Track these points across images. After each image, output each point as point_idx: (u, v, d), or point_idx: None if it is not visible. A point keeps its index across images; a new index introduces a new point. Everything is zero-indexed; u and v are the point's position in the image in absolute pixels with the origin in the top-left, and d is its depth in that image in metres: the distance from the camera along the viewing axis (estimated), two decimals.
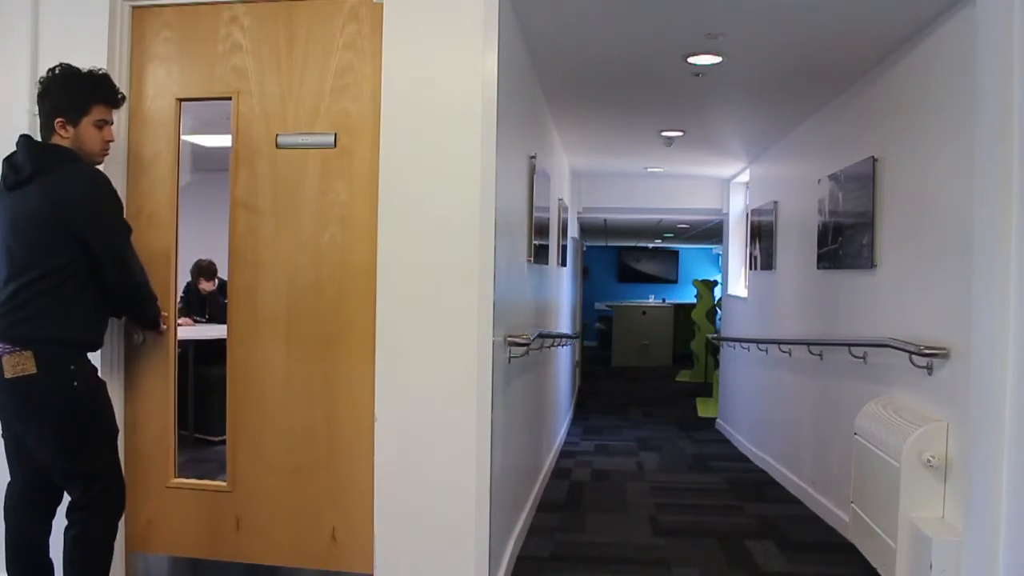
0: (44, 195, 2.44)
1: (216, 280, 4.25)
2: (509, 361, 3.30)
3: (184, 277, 3.13)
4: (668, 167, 7.19)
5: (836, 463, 4.15)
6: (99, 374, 2.65)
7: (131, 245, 2.65)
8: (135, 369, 3.00)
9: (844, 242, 4.13)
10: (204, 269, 3.94)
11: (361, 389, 2.85)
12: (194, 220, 3.06)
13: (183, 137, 3.00)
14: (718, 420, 8.00)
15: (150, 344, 3.00)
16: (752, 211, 6.72)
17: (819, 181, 4.56)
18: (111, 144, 2.68)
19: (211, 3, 2.95)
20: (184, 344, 3.14)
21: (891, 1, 3.07)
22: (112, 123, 2.66)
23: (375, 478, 2.82)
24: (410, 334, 2.79)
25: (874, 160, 3.75)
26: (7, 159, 2.55)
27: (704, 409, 9.14)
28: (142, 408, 3.00)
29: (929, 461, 2.96)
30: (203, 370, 3.37)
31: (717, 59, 3.81)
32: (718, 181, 7.98)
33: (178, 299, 3.05)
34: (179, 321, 3.04)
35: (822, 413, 4.55)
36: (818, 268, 4.58)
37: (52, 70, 2.58)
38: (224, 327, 2.99)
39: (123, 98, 2.70)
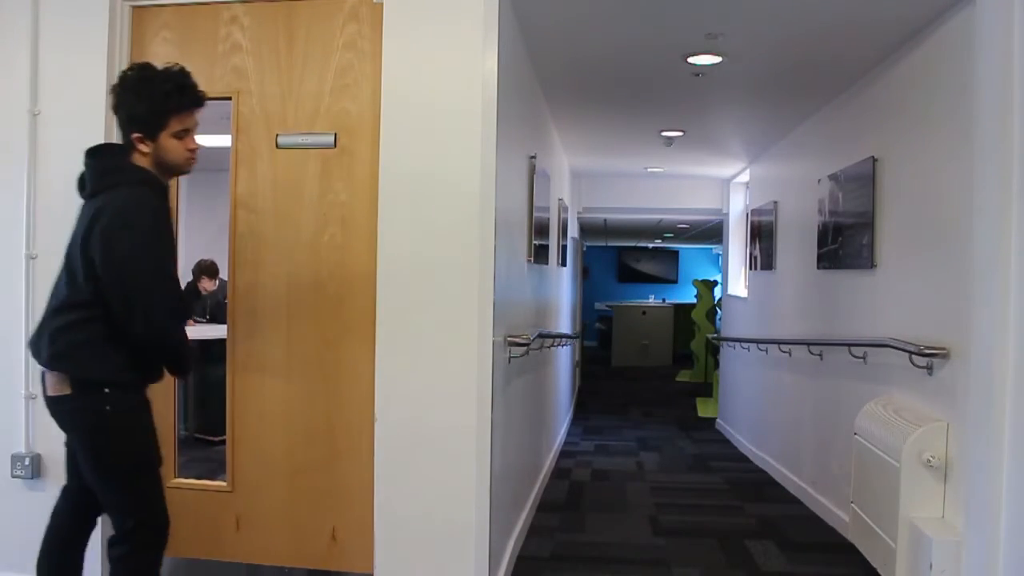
0: (84, 220, 2.27)
1: (217, 280, 4.26)
2: (509, 361, 3.30)
3: (184, 277, 3.13)
4: (668, 167, 7.18)
5: (836, 463, 4.15)
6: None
7: (161, 289, 2.24)
8: None
9: (844, 242, 4.13)
10: (206, 269, 3.94)
11: (361, 389, 2.85)
12: (194, 220, 3.06)
13: None
14: (718, 420, 8.00)
15: None
16: (752, 211, 6.72)
17: (819, 181, 4.56)
18: (197, 152, 2.37)
19: (211, 3, 2.95)
20: None
21: (891, 1, 3.07)
22: (195, 127, 2.35)
23: (375, 478, 2.82)
24: (410, 334, 2.79)
25: (874, 160, 3.75)
26: (84, 171, 2.38)
27: (704, 409, 9.14)
28: None
29: (929, 461, 2.96)
30: (203, 370, 3.37)
31: (717, 59, 3.81)
32: (718, 181, 7.98)
33: None
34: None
35: (822, 413, 4.55)
36: (818, 268, 4.58)
37: (125, 73, 2.31)
38: (224, 327, 2.99)
39: (204, 96, 2.36)
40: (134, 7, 2.98)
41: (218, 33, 2.95)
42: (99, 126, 2.90)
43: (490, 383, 2.80)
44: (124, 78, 2.31)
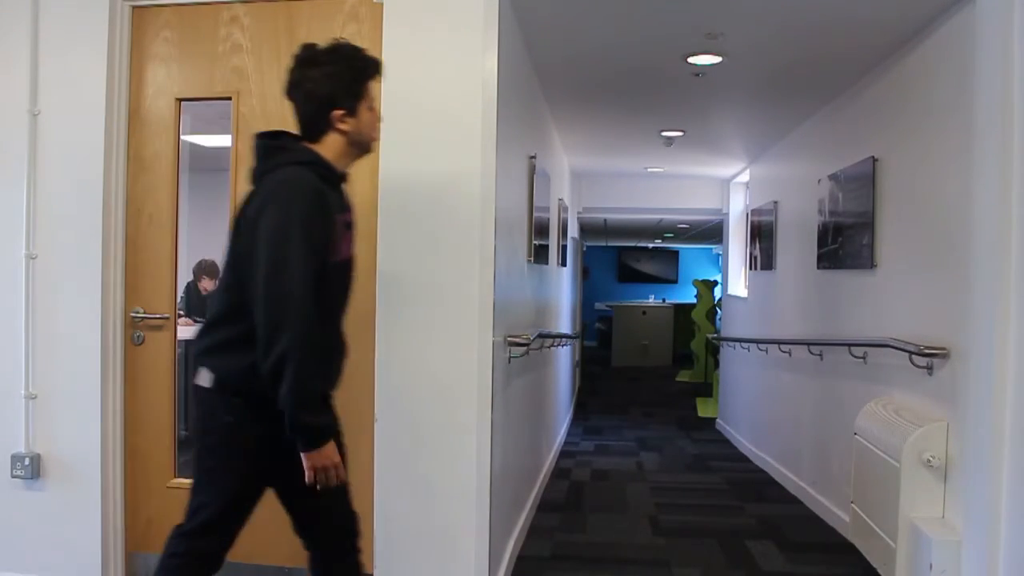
0: (261, 195, 2.03)
1: (217, 280, 4.25)
2: (509, 361, 3.30)
3: (184, 277, 3.14)
4: (668, 167, 7.18)
5: (836, 463, 4.15)
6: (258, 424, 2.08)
7: (307, 284, 1.92)
8: (135, 369, 3.01)
9: (844, 242, 4.13)
10: (207, 268, 3.94)
11: (361, 389, 2.85)
12: (194, 220, 3.07)
13: (183, 137, 3.00)
14: (718, 420, 8.00)
15: (150, 344, 3.00)
16: (752, 211, 6.72)
17: (819, 181, 4.56)
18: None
19: (211, 3, 2.96)
20: (184, 344, 3.14)
21: (891, 1, 3.07)
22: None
23: (375, 478, 2.82)
24: (410, 334, 2.79)
25: (874, 160, 3.75)
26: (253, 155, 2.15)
27: (704, 409, 9.14)
28: (142, 408, 3.01)
29: (929, 461, 2.96)
30: None
31: (717, 59, 3.81)
32: (718, 181, 7.98)
33: (178, 299, 3.05)
34: (180, 320, 3.04)
35: (822, 413, 4.55)
36: (818, 268, 4.58)
37: (312, 51, 2.10)
38: None
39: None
40: (134, 7, 2.99)
41: (218, 33, 2.95)
42: (99, 126, 2.90)
43: (490, 383, 2.80)
44: (312, 55, 2.10)
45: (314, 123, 2.10)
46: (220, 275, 2.15)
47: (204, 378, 2.09)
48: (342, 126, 2.09)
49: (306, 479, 2.02)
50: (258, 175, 2.07)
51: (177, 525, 2.18)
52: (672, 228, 12.10)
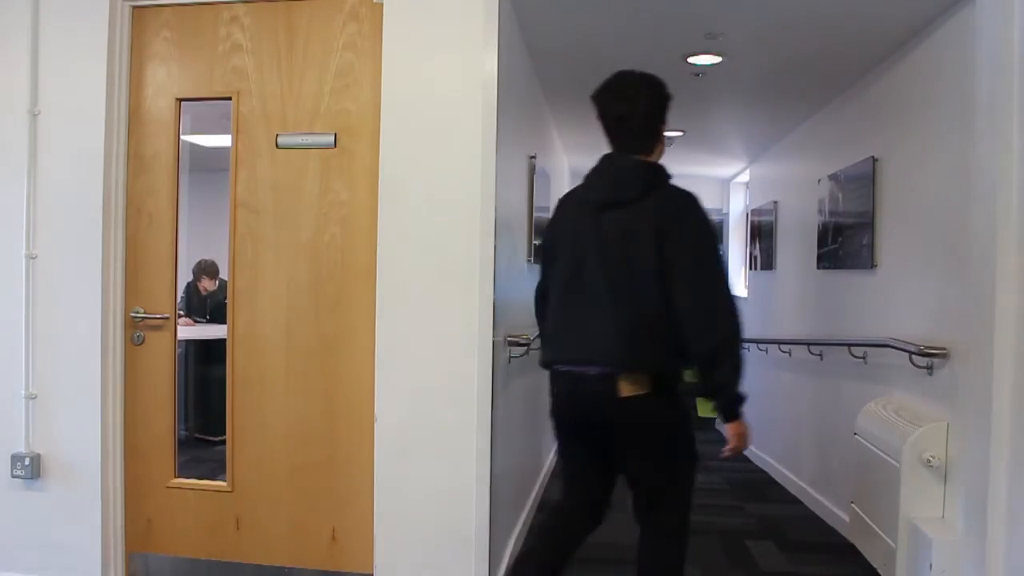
0: (655, 213, 2.21)
1: (218, 279, 4.26)
2: (509, 361, 3.30)
3: (184, 277, 3.14)
4: (668, 167, 7.17)
5: (836, 463, 4.15)
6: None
7: (725, 282, 2.21)
8: (135, 369, 3.01)
9: (844, 242, 4.13)
10: (207, 269, 3.95)
11: (361, 389, 2.86)
12: (194, 220, 3.07)
13: (183, 137, 3.00)
14: (718, 420, 7.99)
15: (150, 344, 3.00)
16: (752, 211, 6.72)
17: (819, 181, 4.56)
18: None
19: (211, 3, 2.95)
20: (184, 344, 3.14)
21: (891, 1, 3.07)
22: None
23: (375, 478, 2.82)
24: (410, 334, 2.79)
25: (874, 160, 3.75)
26: (599, 179, 2.36)
27: (704, 409, 9.11)
28: (142, 408, 3.01)
29: (929, 461, 2.96)
30: (203, 370, 3.37)
31: (717, 59, 3.81)
32: (718, 181, 7.98)
33: (178, 299, 3.06)
34: (180, 320, 3.05)
35: (822, 413, 4.55)
36: (818, 268, 4.58)
37: (635, 81, 2.40)
38: (224, 327, 2.99)
39: None
40: (134, 7, 2.99)
41: (218, 33, 2.95)
42: (99, 126, 2.90)
43: (490, 383, 2.80)
44: (636, 84, 2.40)
45: (648, 135, 2.36)
46: (600, 288, 2.24)
47: (631, 387, 2.19)
48: (659, 150, 2.41)
49: (729, 446, 2.33)
50: (639, 191, 2.26)
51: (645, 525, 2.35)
52: None
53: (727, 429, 2.25)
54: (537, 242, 4.23)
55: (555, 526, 2.50)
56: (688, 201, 2.26)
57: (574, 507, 2.47)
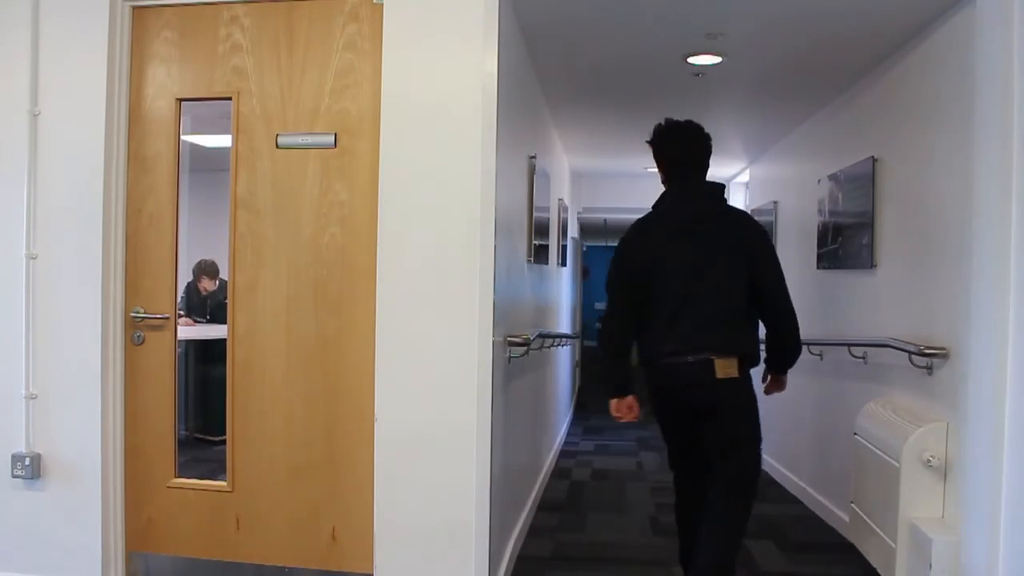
0: (735, 227, 2.92)
1: (218, 279, 4.26)
2: (509, 361, 3.30)
3: (184, 277, 3.14)
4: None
5: (836, 463, 4.15)
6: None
7: (783, 280, 2.97)
8: (135, 369, 3.01)
9: (844, 242, 4.13)
10: (206, 269, 3.93)
11: (361, 389, 2.86)
12: (194, 220, 3.07)
13: (183, 137, 3.00)
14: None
15: (150, 344, 3.00)
16: (752, 211, 6.72)
17: (819, 181, 4.56)
18: None
19: (211, 3, 2.96)
20: (184, 344, 3.14)
21: (891, 1, 3.07)
22: None
23: (375, 478, 2.82)
24: (410, 334, 2.80)
25: (874, 160, 3.75)
26: (683, 200, 2.96)
27: None
28: (142, 408, 3.01)
29: (929, 461, 2.96)
30: (203, 370, 3.37)
31: (717, 59, 3.81)
32: (718, 181, 7.97)
33: (179, 299, 3.06)
34: (180, 320, 3.05)
35: (822, 413, 4.55)
36: (818, 268, 4.58)
37: (698, 127, 3.10)
38: (224, 327, 2.99)
39: None
40: (134, 7, 2.99)
41: (218, 33, 2.95)
42: (99, 126, 2.90)
43: (490, 383, 2.80)
44: (701, 132, 3.08)
45: (706, 169, 3.06)
46: (699, 294, 2.83)
47: (725, 369, 2.78)
48: None
49: (776, 389, 3.21)
50: (723, 204, 3.03)
51: (722, 486, 2.93)
52: None
53: (782, 380, 3.21)
54: (537, 242, 4.23)
55: (687, 496, 3.12)
56: (759, 224, 3.08)
57: (693, 479, 3.09)
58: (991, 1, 2.66)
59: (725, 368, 2.78)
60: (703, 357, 2.78)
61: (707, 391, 2.81)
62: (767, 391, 3.17)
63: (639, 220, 3.05)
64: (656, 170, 3.08)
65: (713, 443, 2.90)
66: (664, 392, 2.96)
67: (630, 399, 3.02)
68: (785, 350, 3.08)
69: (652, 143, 3.10)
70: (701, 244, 2.85)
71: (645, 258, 2.91)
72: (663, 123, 3.11)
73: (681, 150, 3.01)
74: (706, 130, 3.07)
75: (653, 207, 3.04)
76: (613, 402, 3.06)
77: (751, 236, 2.91)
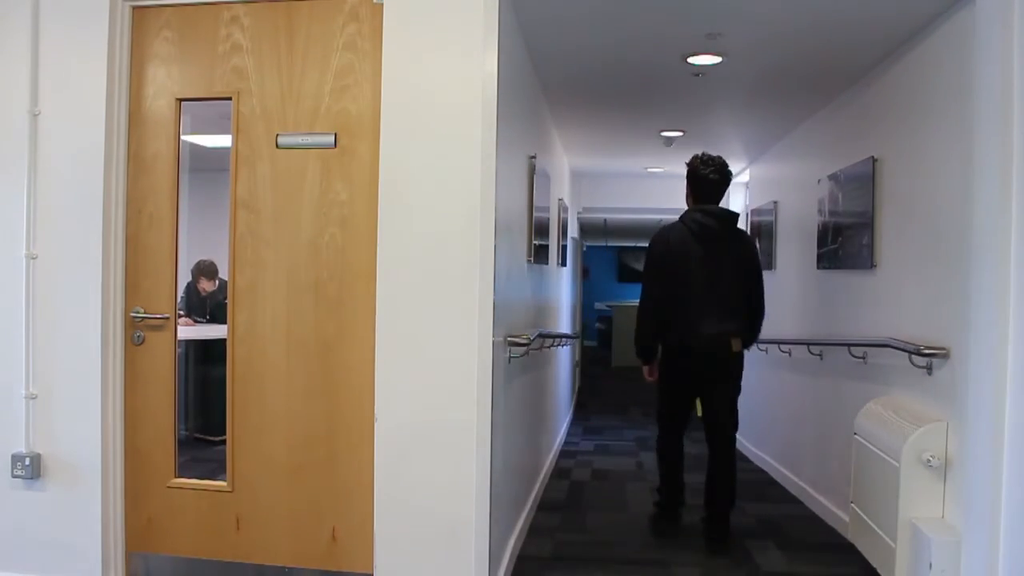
0: (742, 245, 3.90)
1: (217, 280, 4.25)
2: (509, 361, 3.30)
3: (184, 277, 3.14)
4: (668, 167, 7.18)
5: (836, 463, 4.15)
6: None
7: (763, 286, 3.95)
8: (135, 369, 3.01)
9: (844, 242, 4.13)
10: (205, 269, 3.92)
11: (361, 389, 2.86)
12: (194, 220, 3.07)
13: (183, 137, 3.00)
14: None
15: (150, 344, 3.00)
16: (752, 211, 6.72)
17: (819, 181, 4.56)
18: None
19: (211, 3, 2.96)
20: (184, 344, 3.14)
21: (891, 1, 3.07)
22: None
23: (375, 478, 2.82)
24: (410, 334, 2.80)
25: (874, 160, 3.75)
26: (708, 221, 3.76)
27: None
28: (142, 408, 3.01)
29: (929, 461, 2.96)
30: (203, 370, 3.37)
31: (717, 59, 3.81)
32: None
33: (179, 299, 3.06)
34: (180, 320, 3.05)
35: (822, 413, 4.55)
36: (818, 268, 4.58)
37: (726, 164, 3.90)
38: (224, 327, 2.99)
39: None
40: (134, 7, 2.99)
41: (218, 33, 2.95)
42: (99, 126, 2.90)
43: (490, 383, 2.80)
44: (727, 165, 3.87)
45: (724, 193, 3.91)
46: (717, 290, 3.76)
47: (737, 345, 3.78)
48: None
49: (734, 398, 3.94)
50: (724, 225, 3.80)
51: (730, 431, 3.90)
52: None
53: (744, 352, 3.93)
54: (537, 242, 4.23)
55: (675, 440, 4.11)
56: (754, 243, 4.18)
57: (680, 428, 4.08)
58: (991, 1, 2.66)
59: (736, 345, 3.77)
60: (724, 336, 3.73)
61: (723, 361, 3.77)
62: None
63: (668, 226, 3.91)
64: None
65: (721, 402, 3.84)
66: (683, 361, 3.80)
67: (654, 365, 3.98)
68: (754, 333, 3.98)
69: (690, 166, 3.89)
70: (719, 253, 3.75)
71: (676, 259, 3.76)
72: (701, 154, 3.87)
73: (712, 178, 3.82)
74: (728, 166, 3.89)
75: (680, 218, 3.86)
76: (646, 368, 4.04)
77: (752, 255, 3.91)
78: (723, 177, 3.83)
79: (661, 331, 3.82)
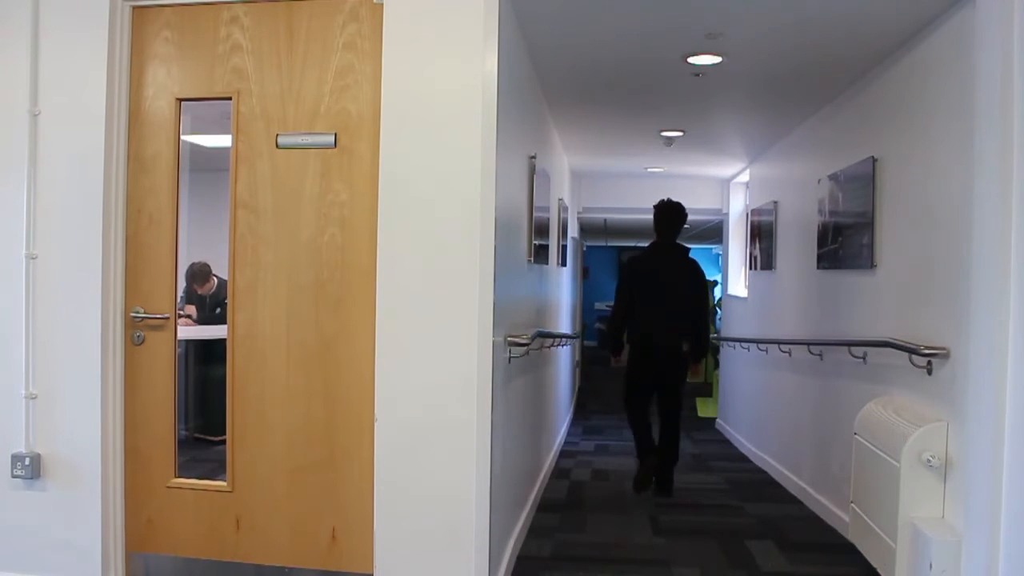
0: (691, 272, 4.97)
1: (215, 280, 4.23)
2: (509, 361, 3.30)
3: (184, 279, 3.14)
4: (668, 167, 7.18)
5: (836, 463, 4.15)
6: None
7: (707, 307, 5.27)
8: (135, 369, 3.01)
9: (844, 242, 4.13)
10: (197, 274, 3.84)
11: (361, 389, 2.86)
12: (194, 220, 3.07)
13: (183, 137, 3.00)
14: (718, 420, 8.00)
15: (150, 344, 3.00)
16: (752, 211, 6.72)
17: (819, 181, 4.56)
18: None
19: (211, 3, 2.96)
20: (184, 344, 3.14)
21: (891, 1, 3.07)
22: None
23: (375, 478, 2.82)
24: (410, 334, 2.80)
25: (874, 160, 3.75)
26: (662, 253, 5.00)
27: (704, 409, 9.14)
28: (142, 408, 3.01)
29: (929, 461, 2.96)
30: (203, 370, 3.37)
31: (717, 59, 3.81)
32: (718, 181, 7.98)
33: (179, 299, 3.06)
34: (180, 320, 3.05)
35: (822, 413, 4.55)
36: (818, 268, 4.58)
37: (682, 208, 5.05)
38: (224, 327, 2.99)
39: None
40: (134, 7, 2.99)
41: (218, 33, 2.95)
42: (99, 126, 2.90)
43: (490, 383, 2.80)
44: (683, 208, 5.01)
45: (680, 231, 4.98)
46: (661, 302, 4.85)
47: (685, 347, 4.88)
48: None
49: (688, 373, 5.03)
50: (676, 256, 4.95)
51: (675, 408, 4.98)
52: None
53: (696, 367, 5.25)
54: (537, 242, 4.24)
55: (641, 414, 5.02)
56: (701, 268, 5.04)
57: (644, 404, 5.02)
58: (991, 1, 2.66)
59: (683, 346, 4.91)
60: (675, 338, 4.88)
61: (674, 356, 4.91)
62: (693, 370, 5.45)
63: (637, 255, 5.16)
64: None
65: (670, 383, 4.95)
66: (644, 355, 4.94)
67: (620, 355, 5.11)
68: (702, 347, 5.01)
69: (655, 209, 5.03)
70: (672, 276, 4.92)
71: (639, 279, 4.93)
72: (665, 200, 5.04)
73: (671, 220, 5.00)
74: (684, 211, 5.02)
75: (647, 248, 5.10)
76: (613, 357, 5.58)
77: (700, 281, 5.03)
78: (677, 217, 4.97)
79: (626, 331, 5.01)
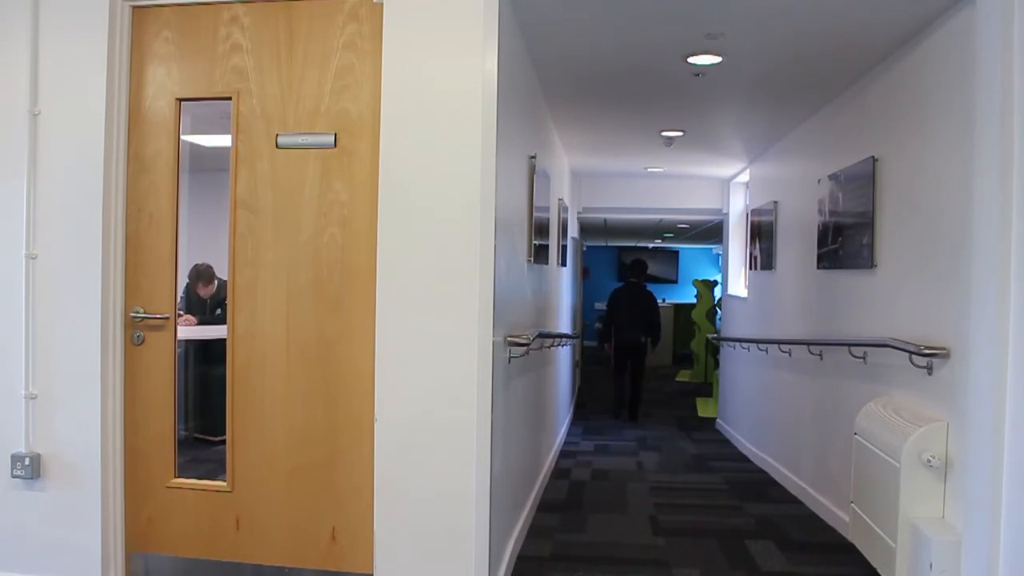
0: (648, 299, 8.55)
1: (216, 281, 4.24)
2: (509, 361, 3.30)
3: (184, 277, 3.13)
4: (668, 167, 7.18)
5: (836, 463, 4.15)
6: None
7: (659, 317, 8.66)
8: (135, 369, 3.01)
9: (844, 242, 4.13)
10: (203, 274, 3.87)
11: (361, 389, 2.86)
12: (194, 220, 3.07)
13: (183, 137, 3.00)
14: (718, 420, 8.00)
15: (150, 344, 3.00)
16: (752, 211, 6.72)
17: (819, 181, 4.56)
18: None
19: (211, 3, 2.96)
20: (184, 344, 3.14)
21: (891, 1, 3.07)
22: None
23: (375, 478, 2.82)
24: (410, 334, 2.80)
25: (874, 160, 3.75)
26: (631, 290, 8.62)
27: (704, 409, 9.14)
28: (142, 408, 3.01)
29: (929, 461, 2.96)
30: (203, 370, 3.37)
31: (717, 59, 3.81)
32: (718, 181, 7.98)
33: (179, 299, 3.06)
34: (181, 319, 3.05)
35: (822, 413, 4.55)
36: (818, 268, 4.58)
37: (645, 263, 8.79)
38: (224, 327, 2.99)
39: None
40: (134, 7, 2.99)
41: (218, 33, 2.95)
42: (99, 126, 2.90)
43: (490, 383, 2.80)
44: (645, 264, 9.04)
45: (644, 274, 8.82)
46: (630, 316, 8.55)
47: (643, 339, 8.50)
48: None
49: (648, 355, 8.78)
50: (639, 289, 8.62)
51: (639, 375, 8.62)
52: (672, 228, 12.10)
53: (653, 349, 8.89)
54: (537, 242, 4.24)
55: (620, 380, 8.66)
56: (653, 295, 8.71)
57: (622, 373, 8.61)
58: (991, 1, 2.66)
59: (642, 341, 8.40)
60: (639, 338, 8.40)
61: (638, 349, 8.44)
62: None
63: (618, 288, 8.87)
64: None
65: (636, 362, 8.47)
66: (622, 348, 8.48)
67: (609, 347, 8.59)
68: (655, 338, 8.48)
69: (629, 264, 8.79)
70: (637, 302, 8.43)
71: (618, 303, 8.56)
72: (635, 259, 8.86)
73: (636, 270, 8.66)
74: (645, 265, 8.75)
75: (622, 285, 8.78)
76: (605, 345, 8.74)
77: (653, 302, 8.52)
78: (640, 269, 8.67)
79: (612, 331, 8.54)
